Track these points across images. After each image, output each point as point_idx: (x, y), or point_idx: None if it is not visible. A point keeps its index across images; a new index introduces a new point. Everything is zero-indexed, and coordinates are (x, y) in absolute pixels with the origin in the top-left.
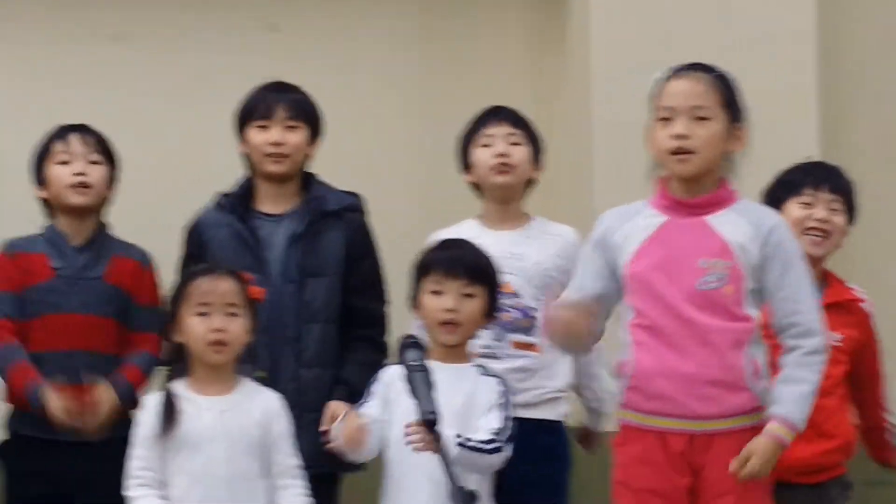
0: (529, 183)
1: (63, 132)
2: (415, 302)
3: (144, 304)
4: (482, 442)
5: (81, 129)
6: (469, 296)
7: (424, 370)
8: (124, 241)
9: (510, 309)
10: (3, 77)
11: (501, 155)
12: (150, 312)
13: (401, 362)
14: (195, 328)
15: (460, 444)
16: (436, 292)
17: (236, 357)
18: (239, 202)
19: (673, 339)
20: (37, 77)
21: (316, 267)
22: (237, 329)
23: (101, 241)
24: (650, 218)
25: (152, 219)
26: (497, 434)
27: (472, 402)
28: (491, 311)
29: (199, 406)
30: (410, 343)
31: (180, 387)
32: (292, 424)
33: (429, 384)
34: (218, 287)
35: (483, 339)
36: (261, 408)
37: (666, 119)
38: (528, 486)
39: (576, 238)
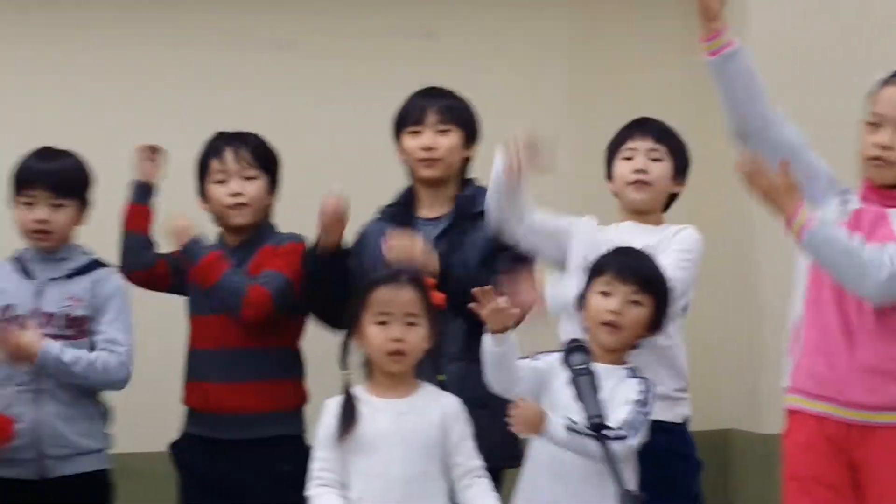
0: (672, 197)
1: (218, 146)
2: (582, 300)
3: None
4: (592, 427)
5: (236, 141)
6: (636, 303)
7: (590, 374)
8: (284, 232)
9: None
10: (177, 82)
11: (639, 171)
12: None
13: (566, 365)
14: (375, 337)
15: (568, 428)
16: (604, 293)
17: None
18: (400, 210)
19: (844, 322)
20: (199, 82)
21: (457, 265)
22: (416, 338)
23: (256, 237)
24: (849, 203)
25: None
26: (622, 425)
27: (610, 398)
28: (656, 324)
29: (376, 409)
30: (575, 347)
31: (360, 390)
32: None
33: (594, 388)
34: (398, 297)
35: None
36: (439, 411)
37: (874, 125)
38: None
39: (697, 238)
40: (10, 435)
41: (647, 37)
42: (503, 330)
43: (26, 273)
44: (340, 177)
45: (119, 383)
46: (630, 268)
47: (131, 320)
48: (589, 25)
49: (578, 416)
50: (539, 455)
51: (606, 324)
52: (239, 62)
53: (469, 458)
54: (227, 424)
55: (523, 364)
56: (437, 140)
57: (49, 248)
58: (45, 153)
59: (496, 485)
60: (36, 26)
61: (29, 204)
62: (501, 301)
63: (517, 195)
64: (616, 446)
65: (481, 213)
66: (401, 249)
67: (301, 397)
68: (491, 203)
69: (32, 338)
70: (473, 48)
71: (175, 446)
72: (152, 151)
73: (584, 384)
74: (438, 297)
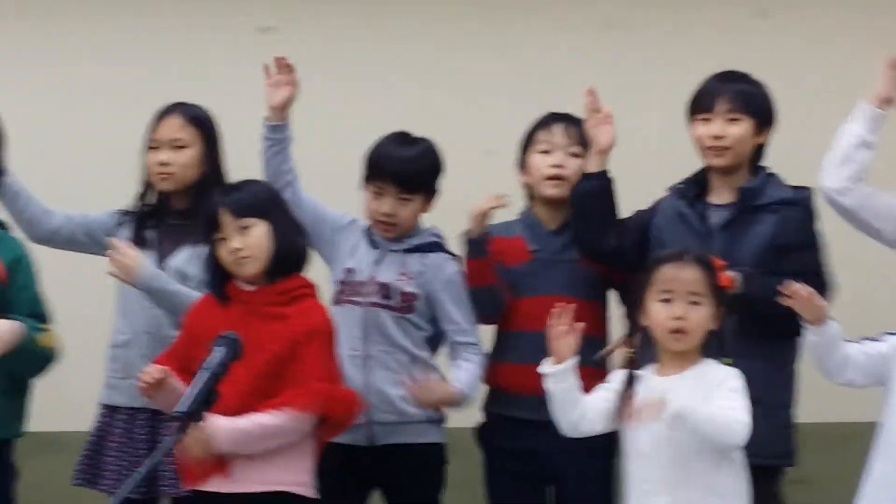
0: None
1: (548, 121)
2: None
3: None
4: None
5: (566, 119)
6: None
7: None
8: None
9: None
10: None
11: None
12: None
13: None
14: (657, 314)
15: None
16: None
17: (701, 343)
18: (692, 189)
19: None
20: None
21: (736, 258)
22: (698, 317)
23: (569, 226)
24: None
25: None
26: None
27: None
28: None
29: (651, 388)
30: None
31: (647, 369)
32: None
33: None
34: (681, 274)
35: None
36: (706, 383)
37: None
38: None
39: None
40: (357, 409)
41: None
42: (819, 320)
43: (373, 242)
44: None
45: None
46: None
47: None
48: None
49: None
50: None
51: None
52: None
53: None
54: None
55: (856, 348)
56: (727, 129)
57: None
58: (400, 139)
59: (770, 484)
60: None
61: (379, 194)
62: (807, 290)
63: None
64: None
65: (766, 206)
66: None
67: None
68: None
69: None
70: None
71: (483, 428)
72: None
73: None
74: (727, 278)
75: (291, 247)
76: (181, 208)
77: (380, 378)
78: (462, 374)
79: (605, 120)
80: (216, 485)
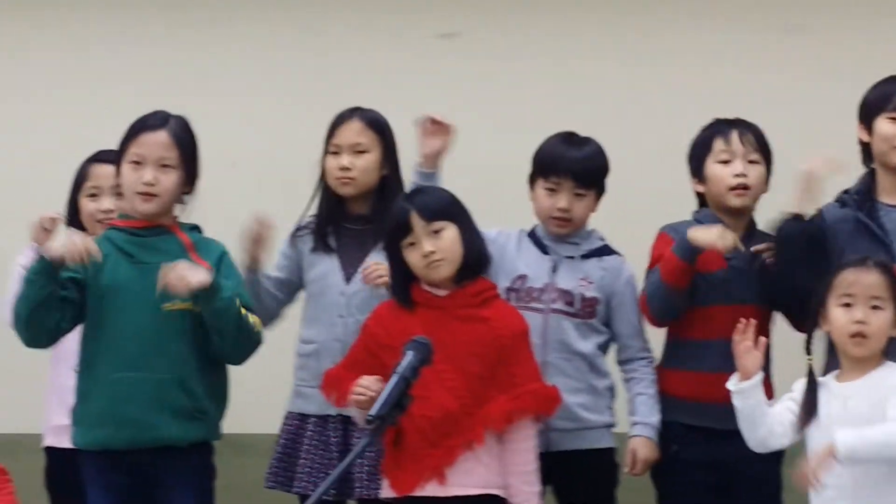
0: None
1: (724, 128)
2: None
3: None
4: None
5: (741, 124)
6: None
7: None
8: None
9: None
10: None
11: None
12: None
13: None
14: (838, 319)
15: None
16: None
17: (883, 349)
18: (861, 196)
19: None
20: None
21: None
22: (880, 322)
23: (751, 235)
24: None
25: None
26: None
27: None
28: None
29: (833, 394)
30: None
31: (829, 376)
32: None
33: None
34: (863, 279)
35: None
36: (884, 388)
37: None
38: None
39: None
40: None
41: None
42: None
43: (542, 248)
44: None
45: None
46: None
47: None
48: None
49: None
50: None
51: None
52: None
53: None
54: (717, 414)
55: None
56: None
57: (567, 234)
58: (571, 139)
59: None
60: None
61: (553, 190)
62: None
63: None
64: None
65: None
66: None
67: None
68: None
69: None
70: None
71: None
72: None
73: None
74: None
75: (478, 250)
76: (361, 213)
77: (558, 385)
78: (642, 407)
79: None
80: (431, 490)
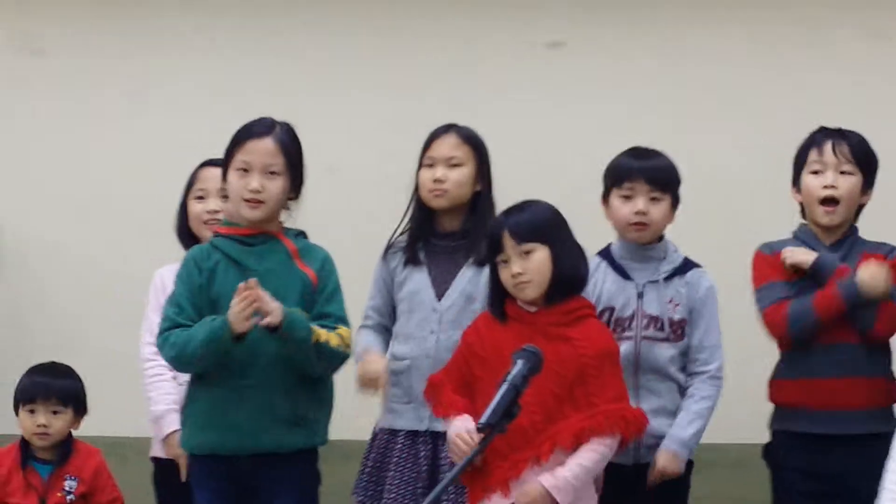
0: None
1: (820, 138)
2: None
3: None
4: None
5: (837, 134)
6: None
7: None
8: (872, 241)
9: None
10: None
11: None
12: None
13: None
14: None
15: None
16: None
17: None
18: None
19: None
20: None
21: None
22: None
23: (851, 240)
24: None
25: None
26: None
27: None
28: None
29: None
30: None
31: None
32: None
33: None
34: None
35: None
36: None
37: None
38: None
39: None
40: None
41: None
42: None
43: (623, 274)
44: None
45: None
46: None
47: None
48: None
49: None
50: None
51: None
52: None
53: None
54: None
55: None
56: None
57: (647, 241)
58: (640, 151)
59: None
60: None
61: (628, 197)
62: None
63: None
64: None
65: None
66: None
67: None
68: None
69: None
70: None
71: (771, 446)
72: None
73: None
74: None
75: (571, 272)
76: (452, 229)
77: (652, 408)
78: (680, 420)
79: None
80: (496, 501)
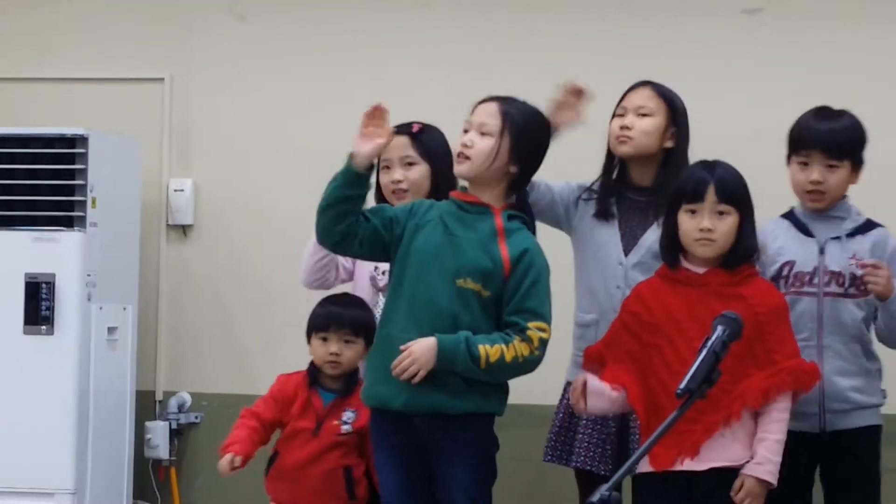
0: None
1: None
2: None
3: None
4: None
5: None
6: None
7: None
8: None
9: None
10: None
11: None
12: None
13: None
14: None
15: None
16: None
17: None
18: None
19: None
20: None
21: None
22: None
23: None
24: None
25: None
26: None
27: None
28: None
29: None
30: None
31: None
32: None
33: None
34: None
35: None
36: None
37: None
38: None
39: None
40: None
41: None
42: None
43: (805, 231)
44: None
45: None
46: None
47: None
48: None
49: None
50: None
51: None
52: None
53: None
54: None
55: None
56: None
57: (823, 208)
58: (823, 113)
59: None
60: None
61: (805, 164)
62: None
63: None
64: None
65: None
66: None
67: None
68: None
69: None
70: None
71: None
72: None
73: None
74: None
75: (749, 242)
76: (643, 185)
77: (835, 368)
78: None
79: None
80: (686, 465)
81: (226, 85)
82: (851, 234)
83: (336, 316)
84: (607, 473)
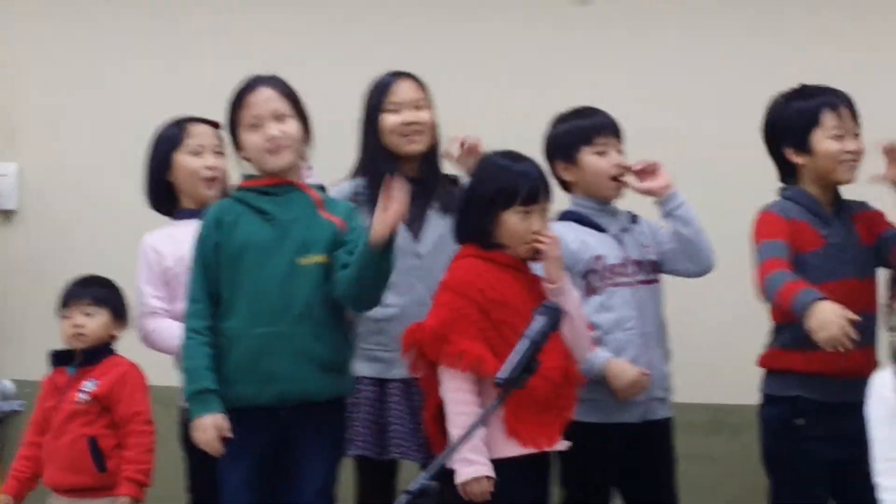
0: None
1: (834, 101)
2: None
3: None
4: None
5: (842, 97)
6: None
7: None
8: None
9: None
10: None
11: None
12: None
13: None
14: None
15: None
16: None
17: None
18: None
19: None
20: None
21: None
22: None
23: (840, 206)
24: None
25: None
26: None
27: None
28: None
29: None
30: None
31: None
32: None
33: None
34: None
35: None
36: None
37: None
38: None
39: None
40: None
41: None
42: None
43: (596, 227)
44: None
45: None
46: None
47: None
48: None
49: None
50: None
51: None
52: None
53: None
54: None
55: None
56: None
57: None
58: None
59: None
60: None
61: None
62: None
63: None
64: None
65: None
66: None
67: None
68: None
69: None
70: None
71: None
72: None
73: None
74: None
75: None
76: (411, 175)
77: (657, 355)
78: None
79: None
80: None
81: (49, 66)
82: (630, 224)
83: (74, 292)
84: (374, 456)
